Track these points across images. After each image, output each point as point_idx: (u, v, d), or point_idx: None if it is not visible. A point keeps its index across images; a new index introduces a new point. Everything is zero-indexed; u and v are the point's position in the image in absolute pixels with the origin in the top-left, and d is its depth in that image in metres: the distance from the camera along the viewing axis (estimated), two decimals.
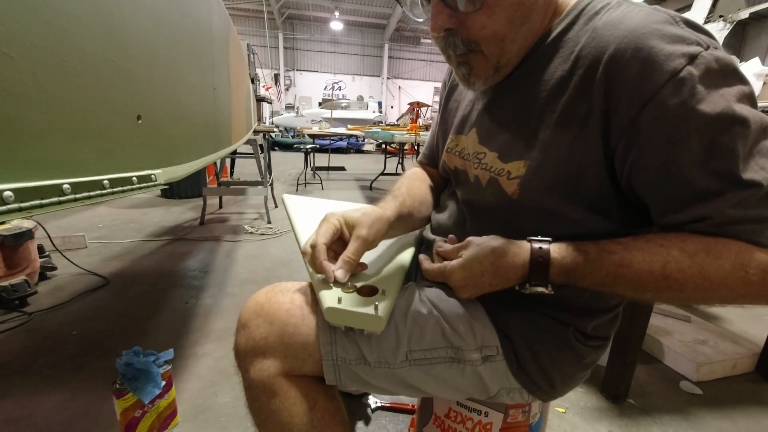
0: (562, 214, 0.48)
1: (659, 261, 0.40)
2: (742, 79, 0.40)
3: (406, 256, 0.67)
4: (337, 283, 0.52)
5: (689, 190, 0.40)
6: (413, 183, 0.72)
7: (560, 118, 0.46)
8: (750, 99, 0.40)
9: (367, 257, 0.64)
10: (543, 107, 0.48)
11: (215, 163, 3.30)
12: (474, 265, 0.49)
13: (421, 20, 0.52)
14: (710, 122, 0.38)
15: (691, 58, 0.38)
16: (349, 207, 0.62)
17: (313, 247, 0.52)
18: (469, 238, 0.51)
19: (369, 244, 0.55)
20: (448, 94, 0.71)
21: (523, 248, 0.47)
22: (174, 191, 3.71)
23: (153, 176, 0.70)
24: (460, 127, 0.63)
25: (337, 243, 0.55)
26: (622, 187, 0.46)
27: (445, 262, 0.52)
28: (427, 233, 0.68)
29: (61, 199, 0.48)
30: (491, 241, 0.49)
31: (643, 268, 0.41)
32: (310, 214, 0.79)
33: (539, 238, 0.47)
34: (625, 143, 0.42)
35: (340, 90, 18.27)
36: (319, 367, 0.54)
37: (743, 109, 0.38)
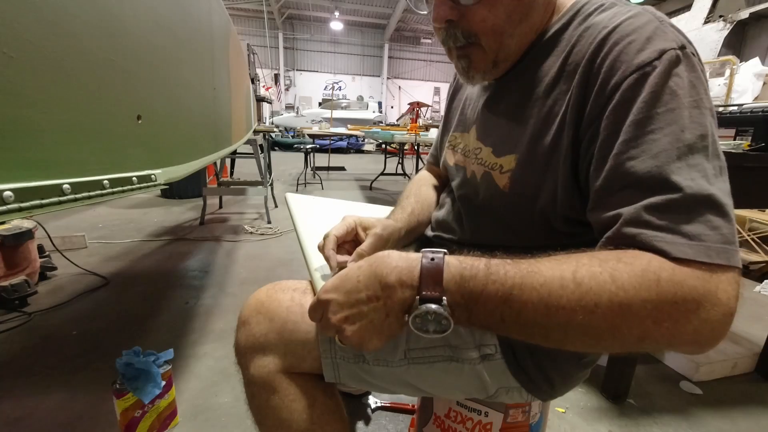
0: (549, 211, 0.48)
1: (569, 268, 0.35)
2: (700, 88, 0.38)
3: None
4: None
5: (618, 182, 0.38)
6: (420, 189, 0.73)
7: (549, 112, 0.47)
8: (708, 109, 0.38)
9: None
10: (534, 102, 0.49)
11: (215, 163, 3.30)
12: (349, 272, 0.41)
13: (424, 13, 0.53)
14: (656, 118, 0.37)
15: (661, 53, 0.38)
16: (355, 206, 0.62)
17: (325, 237, 0.53)
18: None
19: (383, 242, 0.55)
20: (453, 94, 0.73)
21: (412, 254, 0.41)
22: (174, 191, 3.71)
23: (153, 176, 0.70)
24: (463, 125, 0.65)
25: (351, 244, 0.56)
26: (581, 184, 0.45)
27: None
28: (428, 231, 0.69)
29: (61, 199, 0.48)
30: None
31: (553, 274, 0.35)
32: (313, 213, 0.80)
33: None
34: (590, 136, 0.42)
35: (340, 90, 18.27)
36: (319, 364, 0.54)
37: (694, 115, 0.37)
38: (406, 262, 0.39)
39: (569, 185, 0.46)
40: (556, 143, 0.46)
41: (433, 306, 0.37)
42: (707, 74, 0.40)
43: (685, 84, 0.37)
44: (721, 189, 0.35)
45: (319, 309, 0.42)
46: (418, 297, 0.37)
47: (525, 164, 0.49)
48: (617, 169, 0.38)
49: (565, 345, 0.37)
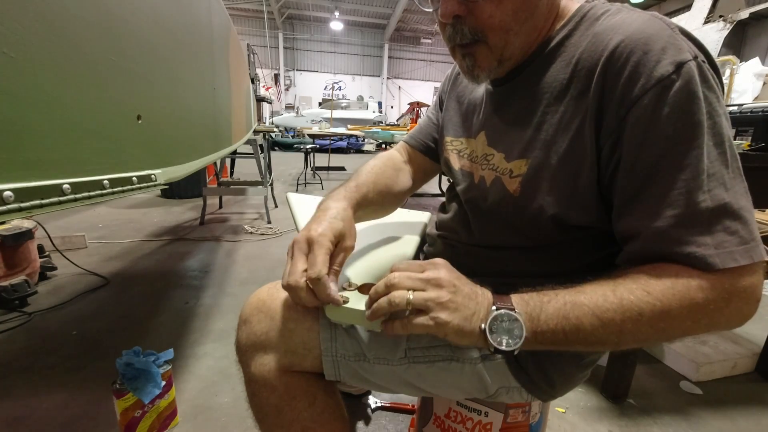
0: (560, 214, 0.48)
1: (608, 286, 0.41)
2: (712, 97, 0.40)
3: (409, 253, 0.67)
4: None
5: (644, 194, 0.41)
6: (387, 174, 0.70)
7: (561, 118, 0.47)
8: (722, 115, 0.41)
9: (369, 255, 0.64)
10: (545, 108, 0.49)
11: (215, 163, 3.30)
12: (450, 271, 0.45)
13: (428, 10, 0.52)
14: (680, 132, 0.39)
15: (679, 66, 0.39)
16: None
17: (318, 279, 0.45)
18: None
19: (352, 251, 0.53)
20: (450, 91, 0.71)
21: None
22: (174, 191, 3.71)
23: (153, 176, 0.70)
24: (467, 130, 0.64)
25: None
26: (603, 190, 0.46)
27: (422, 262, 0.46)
28: (431, 230, 0.69)
29: (61, 199, 0.48)
30: None
31: (596, 290, 0.41)
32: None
33: None
34: (611, 144, 0.43)
35: (340, 90, 18.29)
36: (319, 362, 0.54)
37: (711, 125, 0.40)
38: (481, 287, 0.45)
39: (587, 190, 0.46)
40: (572, 150, 0.46)
41: (509, 310, 0.42)
42: (721, 73, 0.43)
43: (701, 96, 0.39)
44: (737, 192, 0.39)
45: (425, 282, 0.43)
46: (494, 306, 0.43)
47: (537, 169, 0.49)
48: (643, 184, 0.41)
49: (621, 348, 0.43)
